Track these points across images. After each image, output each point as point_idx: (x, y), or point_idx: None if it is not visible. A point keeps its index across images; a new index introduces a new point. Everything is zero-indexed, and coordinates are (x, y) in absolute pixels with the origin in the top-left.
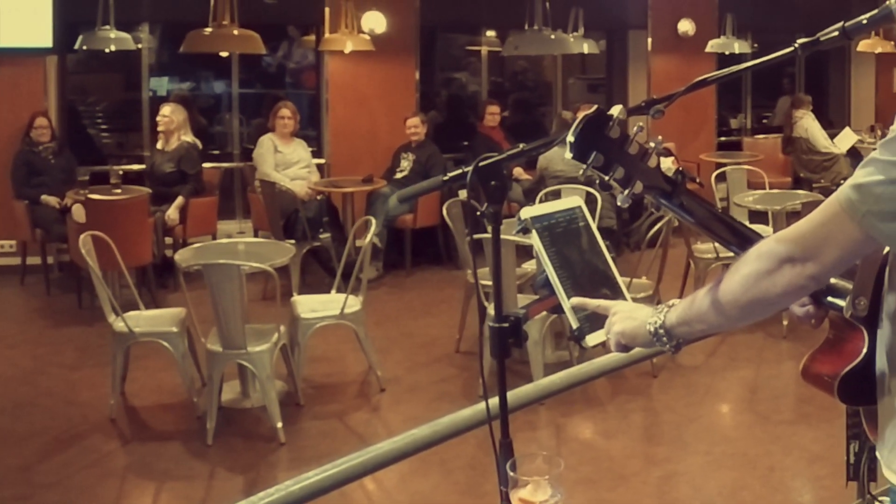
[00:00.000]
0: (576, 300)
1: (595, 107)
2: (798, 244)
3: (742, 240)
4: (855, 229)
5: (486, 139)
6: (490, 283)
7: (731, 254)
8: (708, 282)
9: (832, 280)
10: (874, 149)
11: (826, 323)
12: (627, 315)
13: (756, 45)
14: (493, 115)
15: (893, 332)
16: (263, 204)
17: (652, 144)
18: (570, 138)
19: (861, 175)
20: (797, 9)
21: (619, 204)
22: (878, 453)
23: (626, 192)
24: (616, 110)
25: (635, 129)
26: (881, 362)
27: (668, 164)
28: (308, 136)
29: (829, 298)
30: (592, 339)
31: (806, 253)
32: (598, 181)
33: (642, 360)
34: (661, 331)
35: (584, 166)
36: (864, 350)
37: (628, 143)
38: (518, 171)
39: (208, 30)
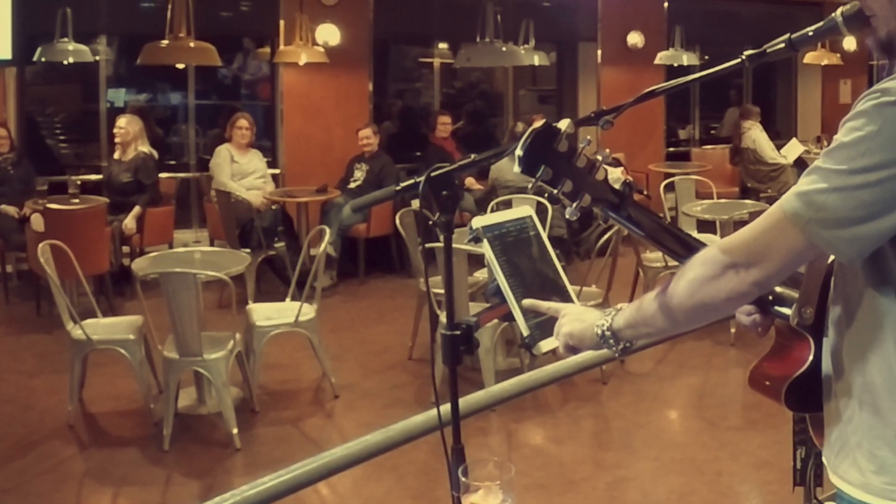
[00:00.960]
0: (528, 302)
1: (543, 121)
2: (742, 251)
3: (689, 250)
4: (798, 237)
5: (439, 150)
6: (442, 291)
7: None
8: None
9: (778, 289)
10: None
11: (772, 331)
12: (576, 317)
13: (705, 58)
14: (444, 125)
15: (838, 339)
16: (219, 213)
17: (599, 157)
18: (519, 152)
19: (805, 183)
20: (744, 21)
21: (567, 217)
22: (824, 458)
23: (575, 204)
24: (564, 124)
25: (583, 142)
26: (826, 368)
27: (617, 175)
28: (263, 147)
29: (776, 307)
30: (543, 347)
31: (750, 259)
32: (547, 194)
33: (592, 367)
34: (608, 333)
35: (533, 179)
36: (810, 358)
37: (576, 157)
38: (470, 181)
39: (165, 42)
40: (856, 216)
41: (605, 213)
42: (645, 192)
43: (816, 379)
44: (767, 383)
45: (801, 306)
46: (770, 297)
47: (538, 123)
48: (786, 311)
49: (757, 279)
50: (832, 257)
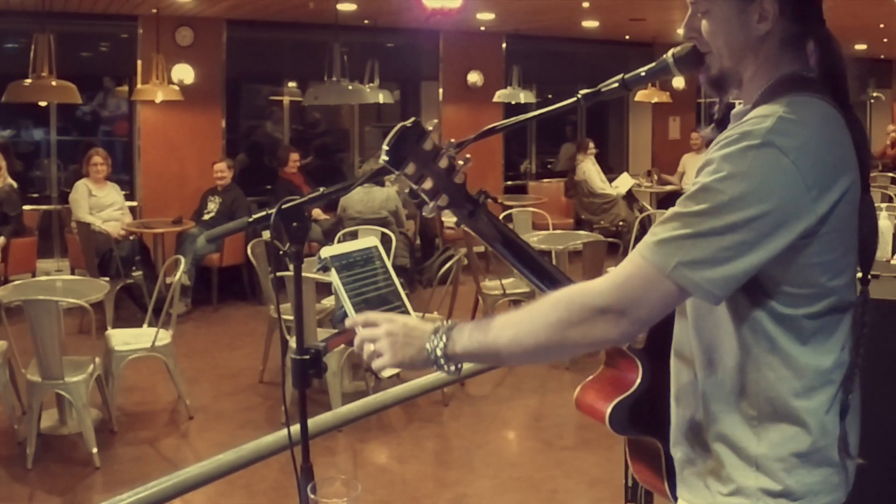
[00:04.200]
0: (361, 316)
1: (413, 119)
2: (613, 297)
3: (533, 267)
4: (668, 284)
5: (288, 183)
6: (292, 317)
7: (518, 290)
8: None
9: None
10: (651, 191)
11: (602, 354)
12: (404, 340)
13: (549, 96)
14: (294, 161)
15: (681, 368)
16: (80, 244)
17: (461, 162)
18: (386, 146)
19: (663, 231)
20: (579, 61)
21: (424, 215)
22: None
23: (433, 203)
24: (431, 125)
25: (447, 144)
26: (677, 398)
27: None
28: (121, 180)
29: None
30: (387, 371)
31: (621, 307)
32: (407, 190)
33: (434, 389)
34: (443, 360)
35: (397, 172)
36: (638, 381)
37: (439, 157)
38: (317, 213)
39: (28, 81)
40: (723, 257)
41: (459, 218)
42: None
43: (642, 402)
44: (593, 404)
45: None
46: None
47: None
48: None
49: (626, 329)
50: None
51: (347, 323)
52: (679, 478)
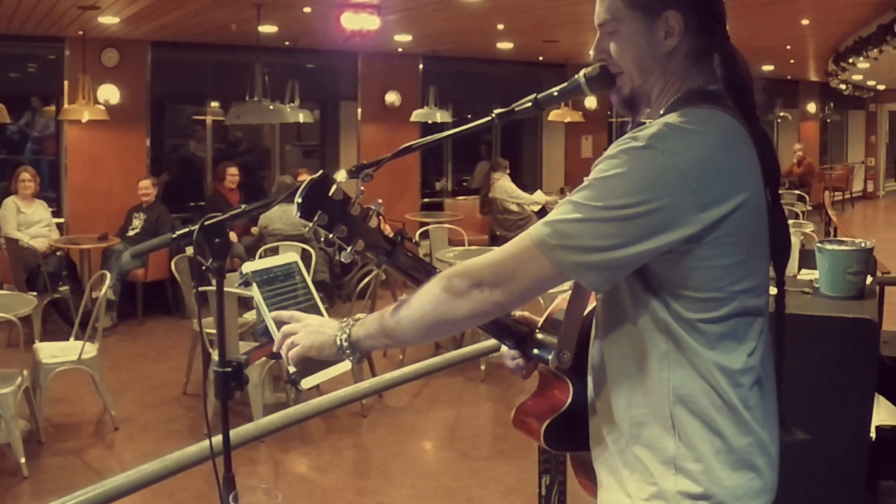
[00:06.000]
0: (274, 314)
1: (321, 171)
2: (489, 271)
3: None
4: (545, 262)
5: (220, 198)
6: (214, 331)
7: None
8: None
9: (539, 335)
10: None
11: (536, 374)
12: (317, 329)
13: (468, 116)
14: (232, 176)
15: (597, 379)
16: (8, 259)
17: (373, 207)
18: (298, 199)
19: (554, 214)
20: (494, 81)
21: (342, 260)
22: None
23: (349, 249)
24: (340, 175)
25: (357, 192)
26: (593, 408)
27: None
28: (49, 198)
29: (536, 351)
30: (307, 383)
31: (496, 280)
32: (322, 238)
33: (353, 401)
34: (346, 344)
35: (310, 224)
36: (569, 399)
37: (350, 205)
38: (233, 236)
39: None
40: (600, 245)
41: (377, 259)
42: (415, 240)
43: (575, 419)
44: (529, 423)
45: (560, 351)
46: (532, 343)
47: (304, 176)
48: (546, 355)
49: (500, 300)
50: (591, 306)
51: (273, 315)
52: (600, 486)
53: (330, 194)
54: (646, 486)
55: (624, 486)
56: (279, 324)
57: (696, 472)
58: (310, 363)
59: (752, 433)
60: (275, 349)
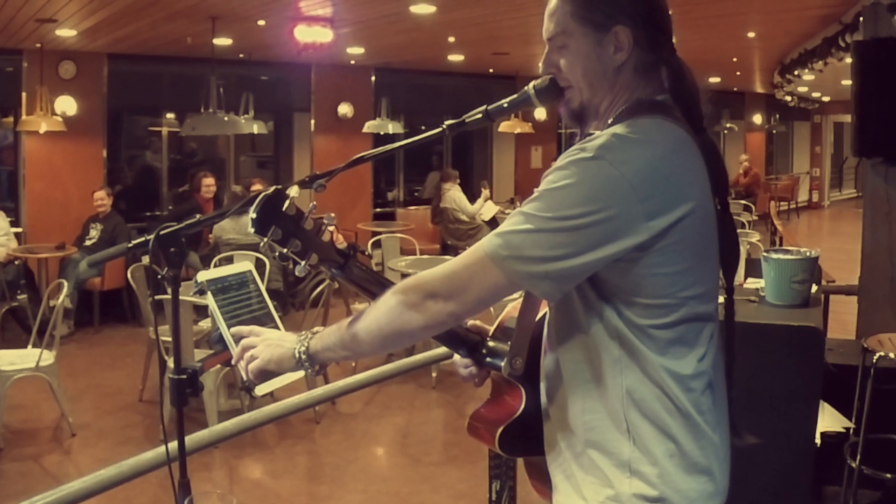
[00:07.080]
0: (234, 329)
1: (274, 187)
2: (443, 283)
3: None
4: (497, 273)
5: (199, 210)
6: (170, 339)
7: None
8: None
9: (491, 343)
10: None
11: (489, 382)
12: (276, 343)
13: (421, 126)
14: (208, 186)
15: (550, 385)
16: None
17: (325, 220)
18: (252, 214)
19: (506, 225)
20: (445, 93)
21: (297, 274)
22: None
23: (304, 262)
24: (293, 191)
25: (310, 206)
26: (547, 414)
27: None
28: (7, 208)
29: (489, 359)
30: (261, 390)
31: (450, 292)
32: (277, 253)
33: (306, 407)
34: (305, 356)
35: (265, 239)
36: (522, 406)
37: (304, 220)
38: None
39: None
40: (551, 255)
41: (331, 272)
42: (367, 253)
43: (528, 424)
44: (483, 430)
45: (512, 358)
46: (484, 351)
47: (257, 186)
48: (499, 363)
49: (454, 310)
50: (542, 312)
51: (233, 331)
52: (555, 491)
53: (283, 209)
54: (601, 490)
55: (580, 489)
56: (238, 338)
57: (651, 476)
58: (264, 371)
59: (704, 437)
60: (233, 363)
